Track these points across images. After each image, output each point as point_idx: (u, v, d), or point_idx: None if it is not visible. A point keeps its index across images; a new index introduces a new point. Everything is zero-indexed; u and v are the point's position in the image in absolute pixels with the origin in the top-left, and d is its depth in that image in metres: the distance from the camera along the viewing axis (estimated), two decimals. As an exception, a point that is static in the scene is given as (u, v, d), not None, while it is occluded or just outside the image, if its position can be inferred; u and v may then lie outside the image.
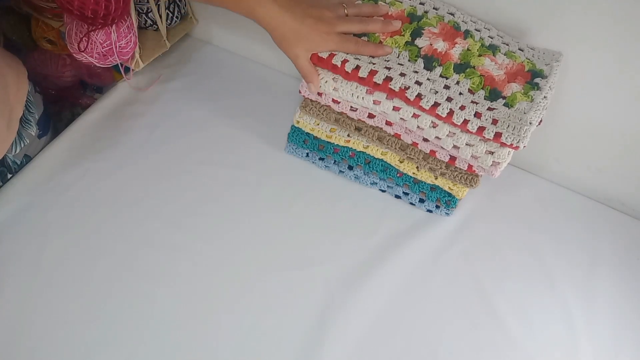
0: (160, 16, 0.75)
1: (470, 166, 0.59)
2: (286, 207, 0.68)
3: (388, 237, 0.66)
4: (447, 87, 0.55)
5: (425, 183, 0.65)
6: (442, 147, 0.58)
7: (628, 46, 0.56)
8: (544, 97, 0.55)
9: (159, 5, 0.74)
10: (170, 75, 0.81)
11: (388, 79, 0.55)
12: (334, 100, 0.60)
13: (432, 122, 0.56)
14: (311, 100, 0.63)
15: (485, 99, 0.54)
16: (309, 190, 0.69)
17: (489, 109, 0.54)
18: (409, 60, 0.56)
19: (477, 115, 0.53)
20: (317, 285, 0.61)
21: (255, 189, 0.69)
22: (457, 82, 0.55)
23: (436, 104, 0.54)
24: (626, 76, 0.59)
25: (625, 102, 0.61)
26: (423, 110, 0.55)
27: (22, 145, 0.67)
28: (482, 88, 0.55)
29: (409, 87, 0.54)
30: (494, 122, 0.53)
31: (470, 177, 0.61)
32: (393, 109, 0.57)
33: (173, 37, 0.80)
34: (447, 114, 0.53)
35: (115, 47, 0.67)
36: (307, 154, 0.70)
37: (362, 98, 0.57)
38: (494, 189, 0.72)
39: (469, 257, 0.66)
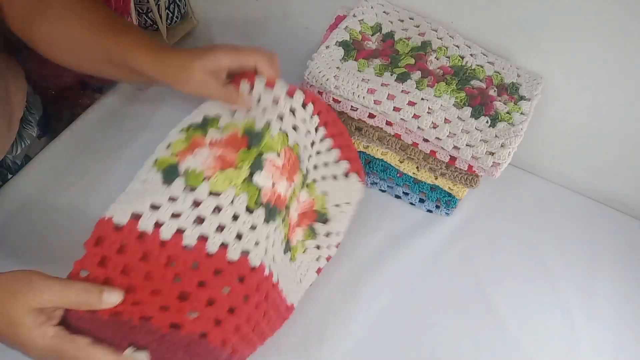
0: (160, 16, 0.75)
1: (470, 166, 0.59)
2: (286, 207, 0.68)
3: (388, 237, 0.66)
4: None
5: (425, 183, 0.65)
6: (442, 148, 0.58)
7: (629, 43, 0.56)
8: None
9: (159, 5, 0.74)
10: (170, 75, 0.81)
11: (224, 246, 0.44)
12: (334, 100, 0.60)
13: (432, 122, 0.56)
14: (311, 100, 0.63)
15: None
16: (309, 190, 0.69)
17: None
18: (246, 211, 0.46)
19: None
20: (317, 285, 0.61)
21: (256, 189, 0.69)
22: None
23: None
24: (626, 76, 0.59)
25: (625, 103, 0.61)
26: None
27: (23, 146, 0.67)
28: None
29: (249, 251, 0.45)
30: None
31: (470, 177, 0.61)
32: (394, 110, 0.57)
33: (173, 37, 0.80)
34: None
35: (116, 47, 0.67)
36: (307, 154, 0.70)
37: (363, 97, 0.57)
38: (494, 189, 0.72)
39: (469, 257, 0.66)
